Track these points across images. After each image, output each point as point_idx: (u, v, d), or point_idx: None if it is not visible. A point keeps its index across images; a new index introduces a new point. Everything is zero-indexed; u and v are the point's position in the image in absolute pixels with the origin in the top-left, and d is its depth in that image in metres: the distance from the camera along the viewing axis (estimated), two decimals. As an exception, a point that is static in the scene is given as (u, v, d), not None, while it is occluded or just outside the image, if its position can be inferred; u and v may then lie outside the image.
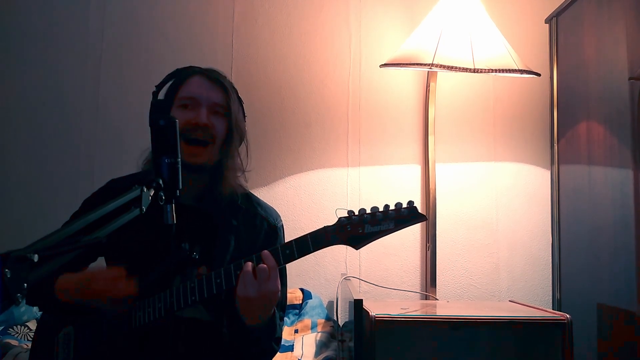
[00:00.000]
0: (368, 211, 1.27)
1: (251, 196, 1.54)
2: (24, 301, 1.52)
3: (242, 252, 1.41)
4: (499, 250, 2.27)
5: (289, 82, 2.32)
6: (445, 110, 2.27)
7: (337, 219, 1.29)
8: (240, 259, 1.29)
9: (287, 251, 1.28)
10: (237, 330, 1.33)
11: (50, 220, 2.13)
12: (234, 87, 1.51)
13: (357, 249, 1.28)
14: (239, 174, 1.48)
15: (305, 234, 1.29)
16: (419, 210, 1.27)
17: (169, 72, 1.49)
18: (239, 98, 1.52)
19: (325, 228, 1.28)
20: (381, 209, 1.26)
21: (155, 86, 1.45)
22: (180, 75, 1.46)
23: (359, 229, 1.26)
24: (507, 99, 2.32)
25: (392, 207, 1.27)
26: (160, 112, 1.41)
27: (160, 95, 1.45)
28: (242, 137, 1.50)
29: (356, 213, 1.27)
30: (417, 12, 2.28)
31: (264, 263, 1.25)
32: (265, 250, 1.27)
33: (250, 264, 1.26)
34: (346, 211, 1.28)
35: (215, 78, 1.45)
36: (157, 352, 1.31)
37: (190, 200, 1.41)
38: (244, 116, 1.54)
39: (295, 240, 1.28)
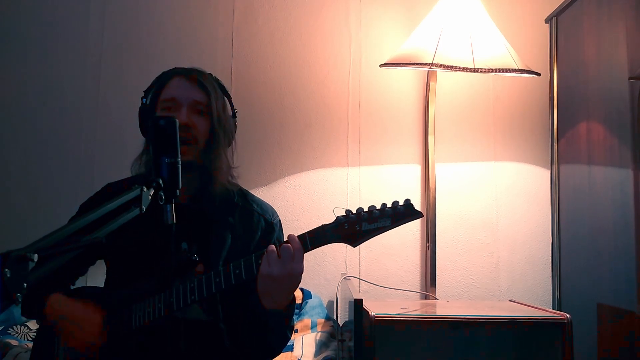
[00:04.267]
0: (365, 209, 1.28)
1: (247, 194, 1.54)
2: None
3: (238, 249, 1.42)
4: (499, 250, 2.27)
5: (289, 82, 2.32)
6: (445, 110, 2.27)
7: (335, 218, 1.30)
8: (240, 259, 1.29)
9: None
10: (255, 317, 1.33)
11: (50, 220, 2.14)
12: (218, 84, 1.50)
13: (354, 247, 1.30)
14: (228, 172, 1.48)
15: (303, 232, 1.30)
16: (417, 208, 1.29)
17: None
18: (226, 94, 1.51)
19: (324, 226, 1.30)
20: (378, 207, 1.28)
21: (144, 91, 1.47)
22: (162, 79, 1.47)
23: (356, 226, 1.28)
24: (507, 99, 2.32)
25: (389, 205, 1.28)
26: (145, 116, 1.43)
27: (148, 101, 1.47)
28: (228, 135, 1.48)
29: (354, 212, 1.29)
30: (417, 12, 2.28)
31: (289, 244, 1.27)
32: (290, 234, 1.29)
33: (273, 245, 1.27)
34: (344, 210, 1.30)
35: (194, 77, 1.44)
36: (157, 353, 1.31)
37: (185, 200, 1.42)
38: (234, 112, 1.53)
39: None
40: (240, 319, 1.38)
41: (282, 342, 1.43)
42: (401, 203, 1.29)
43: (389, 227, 1.28)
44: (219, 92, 1.48)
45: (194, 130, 1.40)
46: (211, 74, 1.51)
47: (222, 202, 1.46)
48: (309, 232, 1.29)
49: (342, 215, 1.30)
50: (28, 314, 1.46)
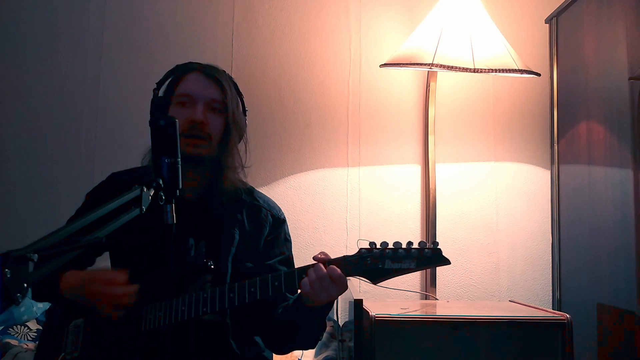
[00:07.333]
0: (390, 246, 1.24)
1: (253, 191, 1.55)
2: (24, 301, 1.53)
3: (247, 245, 1.43)
4: (499, 250, 2.27)
5: (289, 82, 2.32)
6: (445, 110, 2.27)
7: (357, 250, 1.27)
8: (249, 254, 1.28)
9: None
10: (301, 318, 1.33)
11: (50, 220, 2.14)
12: (232, 82, 1.50)
13: (374, 284, 1.26)
14: (239, 170, 1.48)
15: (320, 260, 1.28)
16: (445, 255, 1.24)
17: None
18: (239, 93, 1.52)
19: (345, 258, 1.27)
20: (404, 246, 1.24)
21: (156, 83, 1.46)
22: (178, 72, 1.46)
23: (378, 263, 1.24)
24: (507, 99, 2.32)
25: (415, 245, 1.24)
26: (159, 109, 1.42)
27: (161, 93, 1.46)
28: (240, 133, 1.49)
29: (378, 246, 1.25)
30: (417, 12, 2.28)
31: (328, 272, 1.24)
32: (317, 264, 1.26)
33: (321, 265, 1.25)
34: (367, 242, 1.26)
35: (211, 75, 1.44)
36: (164, 353, 1.30)
37: (193, 197, 1.42)
38: (245, 110, 1.54)
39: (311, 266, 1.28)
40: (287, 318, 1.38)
41: (323, 331, 1.44)
42: (428, 245, 1.24)
43: (412, 269, 1.23)
44: (234, 91, 1.48)
45: (209, 127, 1.40)
46: (225, 71, 1.51)
47: (229, 198, 1.46)
48: (329, 262, 1.27)
49: (365, 249, 1.26)
50: (39, 298, 1.45)
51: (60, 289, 1.30)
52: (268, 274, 1.30)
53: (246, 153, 1.52)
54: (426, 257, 1.23)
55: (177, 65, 1.48)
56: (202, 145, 1.39)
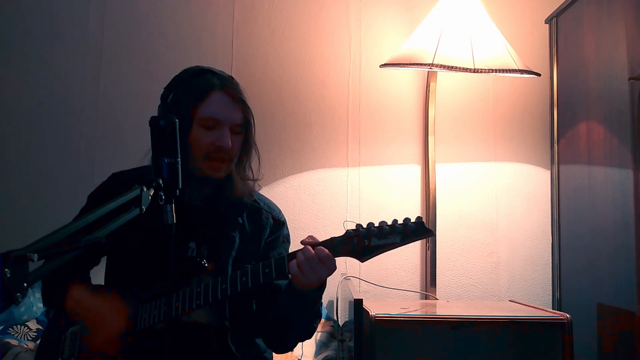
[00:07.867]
0: (376, 224, 1.27)
1: (253, 193, 1.55)
2: (24, 301, 1.53)
3: (247, 248, 1.43)
4: (499, 250, 2.27)
5: (289, 82, 2.32)
6: (445, 110, 2.27)
7: (344, 231, 1.29)
8: (246, 265, 1.30)
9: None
10: (294, 304, 1.34)
11: (50, 220, 2.14)
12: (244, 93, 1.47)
13: (362, 261, 1.28)
14: (250, 183, 1.49)
15: (305, 235, 1.30)
16: (427, 227, 1.27)
17: (169, 72, 1.46)
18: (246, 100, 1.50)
19: (333, 239, 1.29)
20: (389, 223, 1.27)
21: (164, 88, 1.42)
22: (198, 87, 1.40)
23: (365, 241, 1.27)
24: (507, 99, 2.32)
25: (400, 221, 1.27)
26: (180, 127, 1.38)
27: (173, 99, 1.40)
28: (256, 148, 1.49)
29: (364, 226, 1.28)
30: (417, 12, 2.28)
31: (316, 253, 1.26)
32: (306, 247, 1.28)
33: (309, 248, 1.27)
34: (354, 224, 1.29)
35: (237, 97, 1.40)
36: (160, 355, 1.31)
37: (198, 201, 1.43)
38: None
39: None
40: (277, 305, 1.39)
41: (319, 318, 1.45)
42: (412, 220, 1.27)
43: (398, 243, 1.26)
44: (249, 104, 1.45)
45: (233, 151, 1.40)
46: (235, 80, 1.47)
47: (232, 202, 1.46)
48: (317, 244, 1.28)
49: (352, 229, 1.29)
50: (49, 304, 1.46)
51: (65, 303, 1.32)
52: None
53: (259, 165, 1.49)
54: (410, 230, 1.26)
55: (188, 73, 1.43)
56: (223, 167, 1.40)
